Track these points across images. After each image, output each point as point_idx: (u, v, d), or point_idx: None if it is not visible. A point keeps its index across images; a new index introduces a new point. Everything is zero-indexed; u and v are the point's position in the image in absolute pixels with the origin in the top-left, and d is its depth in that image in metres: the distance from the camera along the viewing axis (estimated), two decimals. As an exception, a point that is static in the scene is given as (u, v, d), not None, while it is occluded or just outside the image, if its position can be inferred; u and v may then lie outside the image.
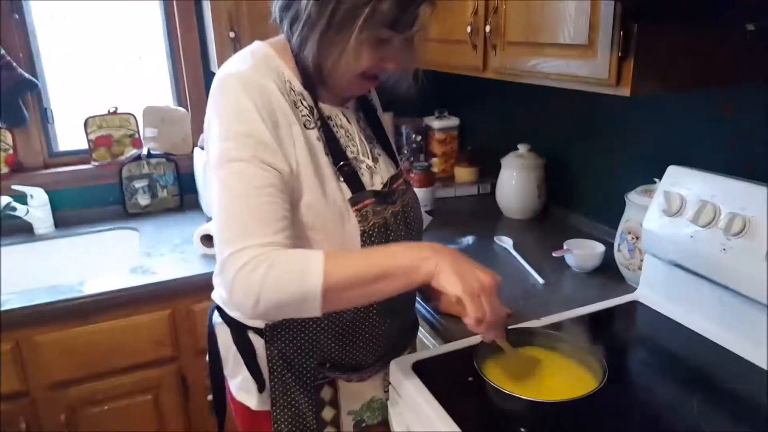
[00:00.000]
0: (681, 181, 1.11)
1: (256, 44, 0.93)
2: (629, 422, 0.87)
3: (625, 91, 1.00)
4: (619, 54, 0.97)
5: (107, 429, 1.55)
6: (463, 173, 2.10)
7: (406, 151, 2.15)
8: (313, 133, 0.91)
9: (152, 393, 1.59)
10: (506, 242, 1.58)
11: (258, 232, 0.79)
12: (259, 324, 0.97)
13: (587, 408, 0.81)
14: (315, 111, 0.92)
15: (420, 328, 1.20)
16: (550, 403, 0.81)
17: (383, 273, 0.79)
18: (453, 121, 2.14)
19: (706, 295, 1.07)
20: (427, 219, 1.81)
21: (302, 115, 0.90)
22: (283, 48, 0.92)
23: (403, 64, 0.93)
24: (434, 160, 2.16)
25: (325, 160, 0.91)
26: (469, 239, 1.65)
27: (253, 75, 0.86)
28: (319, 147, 0.91)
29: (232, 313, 1.01)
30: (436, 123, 2.13)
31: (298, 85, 0.91)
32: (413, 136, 2.15)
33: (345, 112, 0.99)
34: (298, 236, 0.89)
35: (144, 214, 2.01)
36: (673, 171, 1.14)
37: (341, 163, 0.92)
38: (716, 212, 1.02)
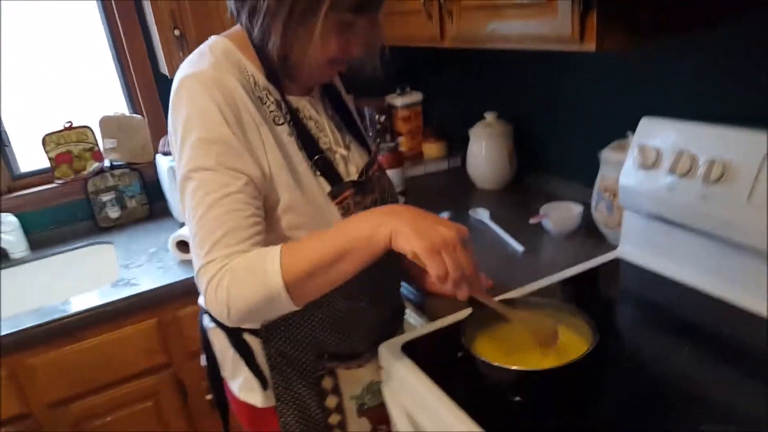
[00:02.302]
0: (655, 133, 1.10)
1: (213, 39, 0.88)
2: (624, 379, 0.87)
3: (590, 47, 0.97)
4: (581, 8, 0.94)
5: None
6: (432, 149, 2.07)
7: (371, 134, 2.11)
8: (284, 129, 0.87)
9: (152, 399, 1.60)
10: (482, 214, 1.56)
11: (224, 243, 0.77)
12: (255, 324, 0.94)
13: (581, 371, 0.80)
14: (283, 105, 0.88)
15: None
16: (543, 371, 0.80)
17: (342, 251, 0.76)
18: (416, 96, 2.10)
19: (688, 245, 1.06)
20: (400, 200, 1.79)
21: (270, 111, 0.86)
22: (243, 40, 0.87)
23: (370, 46, 0.89)
24: (401, 138, 2.12)
25: (299, 157, 0.88)
26: (444, 215, 1.62)
27: (213, 74, 0.81)
28: (291, 143, 0.88)
29: None
30: (398, 100, 2.09)
31: (262, 80, 0.87)
32: (377, 116, 2.11)
33: (311, 101, 0.95)
34: (281, 237, 0.86)
35: (116, 226, 1.98)
36: (646, 123, 1.13)
37: (316, 156, 0.89)
38: (693, 161, 1.01)
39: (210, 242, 0.78)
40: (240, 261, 0.77)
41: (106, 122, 1.95)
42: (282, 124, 0.87)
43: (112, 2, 1.88)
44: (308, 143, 0.89)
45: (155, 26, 1.66)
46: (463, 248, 0.74)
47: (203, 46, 0.87)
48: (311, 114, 0.94)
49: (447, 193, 1.86)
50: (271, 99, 0.87)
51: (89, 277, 1.77)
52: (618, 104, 1.41)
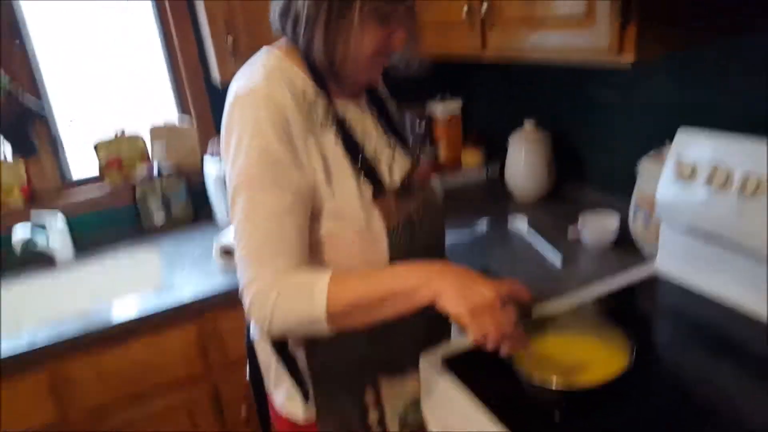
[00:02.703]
0: (691, 145, 1.09)
1: (265, 52, 0.92)
2: (663, 399, 0.86)
3: (628, 58, 0.99)
4: (620, 19, 0.96)
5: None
6: (471, 157, 2.08)
7: (410, 141, 2.13)
8: (330, 135, 0.91)
9: (186, 410, 1.60)
10: (520, 224, 1.56)
11: (272, 261, 0.83)
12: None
13: (619, 389, 0.81)
14: (331, 111, 0.91)
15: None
16: (581, 391, 0.81)
17: (386, 296, 0.81)
18: (455, 104, 2.11)
19: (725, 261, 1.05)
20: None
21: (318, 118, 0.90)
22: (291, 50, 0.91)
23: (410, 36, 0.92)
24: (440, 145, 2.14)
25: (344, 162, 0.91)
26: (483, 226, 1.63)
27: (266, 90, 0.85)
28: (338, 149, 0.91)
29: None
30: (438, 108, 2.11)
31: (311, 87, 0.90)
32: (417, 122, 2.13)
33: (358, 107, 0.98)
34: (327, 240, 0.90)
35: (160, 231, 2.01)
36: (682, 135, 1.12)
37: (361, 161, 0.92)
38: (729, 174, 1.00)
39: (258, 260, 0.83)
40: (290, 282, 0.82)
41: (157, 130, 2.02)
42: (329, 130, 0.91)
43: (167, 6, 1.92)
44: (353, 148, 0.92)
45: (208, 32, 1.69)
46: (504, 307, 0.78)
47: (257, 61, 0.91)
48: (358, 119, 0.96)
49: (485, 201, 1.87)
50: (320, 104, 0.90)
51: (133, 283, 1.80)
52: (656, 114, 1.40)
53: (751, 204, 0.96)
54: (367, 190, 0.92)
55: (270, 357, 1.02)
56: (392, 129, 1.04)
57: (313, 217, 0.89)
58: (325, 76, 0.91)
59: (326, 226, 0.90)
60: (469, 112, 2.16)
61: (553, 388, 0.82)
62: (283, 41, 0.93)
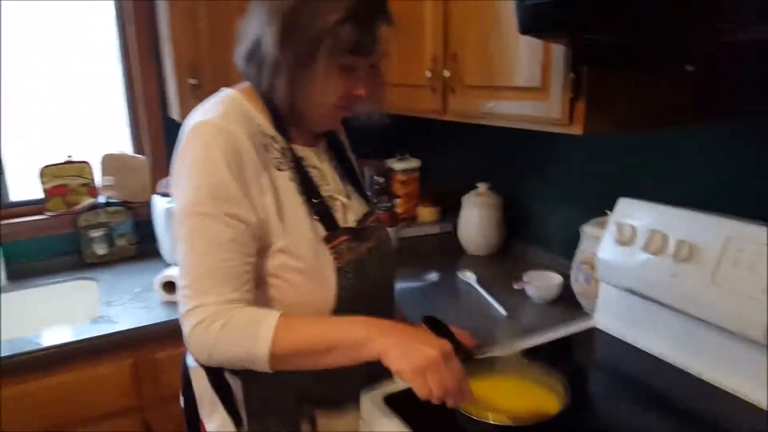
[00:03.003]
0: (631, 212, 1.19)
1: (225, 91, 0.96)
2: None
3: (577, 130, 1.07)
4: (571, 95, 1.05)
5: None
6: (426, 213, 2.16)
7: (370, 193, 2.18)
8: (286, 175, 0.93)
9: None
10: (469, 277, 1.62)
11: (216, 290, 0.83)
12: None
13: (554, 428, 0.84)
14: (288, 153, 0.94)
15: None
16: (521, 428, 0.84)
17: (332, 347, 0.82)
18: (414, 163, 2.20)
19: (659, 319, 1.13)
20: (391, 258, 1.84)
21: (274, 158, 0.92)
22: (252, 93, 0.95)
23: (373, 91, 0.97)
24: (397, 200, 2.21)
25: (298, 201, 0.93)
26: (433, 275, 1.69)
27: (222, 123, 0.87)
28: (292, 188, 0.93)
29: None
30: (397, 165, 2.19)
31: (269, 128, 0.93)
32: (376, 177, 2.20)
33: (316, 151, 1.02)
34: (276, 276, 0.91)
35: (102, 263, 1.95)
36: (624, 203, 1.22)
37: (315, 201, 0.94)
38: (665, 240, 1.09)
39: (202, 289, 0.83)
40: (236, 315, 0.82)
41: (109, 159, 1.98)
42: (285, 170, 0.93)
43: (132, 40, 1.94)
44: (309, 189, 0.95)
45: (173, 71, 1.72)
46: (448, 365, 0.79)
47: (215, 97, 0.94)
48: (315, 163, 1.00)
49: (438, 254, 1.93)
50: (277, 147, 0.93)
51: (68, 312, 1.74)
52: (600, 184, 1.51)
53: (684, 268, 1.05)
54: (320, 229, 0.94)
55: (205, 385, 1.01)
56: (350, 176, 1.08)
57: (262, 252, 0.90)
58: (284, 119, 0.94)
59: (275, 262, 0.91)
60: (428, 170, 2.26)
61: (491, 422, 0.84)
62: (245, 84, 0.97)
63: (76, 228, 1.93)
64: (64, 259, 1.93)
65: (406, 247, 1.97)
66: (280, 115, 0.94)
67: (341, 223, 0.98)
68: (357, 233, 0.99)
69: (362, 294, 0.96)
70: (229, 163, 0.85)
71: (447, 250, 1.93)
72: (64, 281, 1.84)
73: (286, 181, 0.93)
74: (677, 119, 1.15)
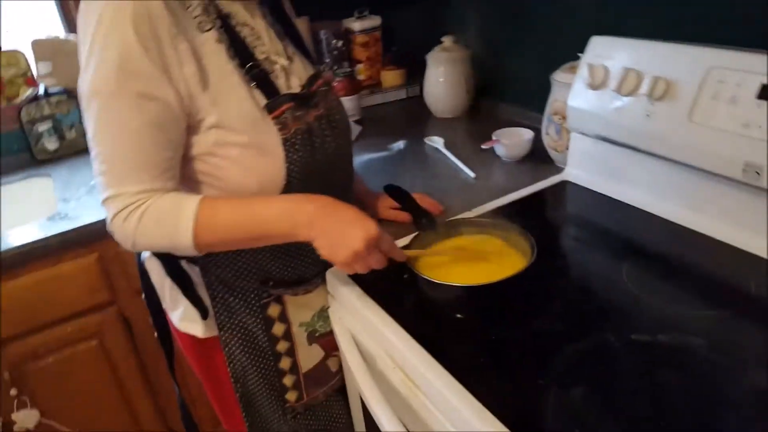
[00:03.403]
0: (605, 52, 1.07)
1: None
2: (563, 294, 0.89)
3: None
4: None
5: (56, 380, 1.51)
6: (390, 77, 2.01)
7: (327, 60, 2.02)
8: (211, 36, 0.80)
9: (96, 339, 1.54)
10: (437, 142, 1.53)
11: (133, 178, 0.77)
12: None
13: (519, 286, 0.82)
14: (211, 8, 0.80)
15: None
16: (482, 287, 0.81)
17: (255, 237, 0.82)
18: (375, 21, 2.01)
19: (634, 166, 1.06)
20: (356, 129, 1.75)
21: (194, 17, 0.78)
22: None
23: None
24: (359, 66, 2.05)
25: (229, 67, 0.81)
26: (400, 144, 1.60)
27: None
28: (221, 51, 0.80)
29: None
30: (356, 24, 2.00)
31: None
32: (333, 41, 2.02)
33: (247, 6, 0.87)
34: (213, 155, 0.82)
35: (54, 158, 1.86)
36: (596, 41, 1.10)
37: (249, 65, 0.82)
38: (639, 78, 0.99)
39: (119, 176, 0.77)
40: (153, 208, 0.78)
41: (39, 45, 1.81)
42: (209, 29, 0.80)
43: None
44: (241, 51, 0.82)
45: None
46: (372, 251, 0.80)
47: None
48: (246, 19, 0.86)
49: (404, 121, 1.82)
50: (196, 2, 0.80)
51: (24, 212, 1.68)
52: (572, 26, 1.37)
53: (659, 107, 0.96)
54: (258, 97, 0.83)
55: (162, 276, 0.97)
56: (290, 34, 0.95)
57: (193, 130, 0.80)
58: None
59: (210, 139, 0.81)
60: (390, 30, 2.07)
61: (453, 284, 0.82)
62: None
63: (21, 124, 1.81)
64: (13, 159, 1.83)
65: (370, 116, 1.86)
66: None
67: (283, 89, 0.87)
68: (302, 99, 0.88)
69: (314, 167, 0.88)
70: (139, 30, 0.72)
71: (414, 116, 1.83)
72: (16, 181, 1.76)
73: (212, 44, 0.80)
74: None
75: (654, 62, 0.99)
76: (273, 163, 0.84)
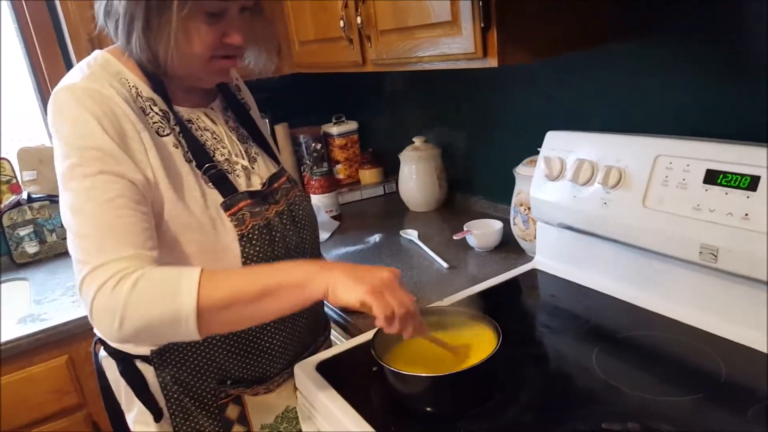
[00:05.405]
0: (561, 145, 1.14)
1: (95, 53, 0.86)
2: (532, 379, 0.87)
3: (492, 62, 1.01)
4: (482, 24, 0.98)
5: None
6: (368, 175, 2.09)
7: (308, 161, 2.11)
8: (169, 140, 0.84)
9: None
10: (411, 234, 1.57)
11: (117, 246, 0.73)
12: (146, 351, 0.89)
13: (490, 374, 0.81)
14: (170, 115, 0.86)
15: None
16: (450, 376, 0.79)
17: (267, 291, 0.73)
18: (351, 126, 2.13)
19: (596, 252, 1.09)
20: (334, 224, 1.78)
21: (153, 122, 0.83)
22: (124, 53, 0.85)
23: (254, 39, 0.88)
24: (338, 166, 2.14)
25: (186, 168, 0.84)
26: (376, 237, 1.63)
27: (88, 84, 0.78)
28: (177, 154, 0.84)
29: (115, 345, 0.93)
30: (334, 129, 2.11)
31: (146, 90, 0.85)
32: (312, 144, 2.12)
33: (209, 113, 0.93)
34: (169, 248, 0.82)
35: (34, 262, 1.86)
36: (551, 136, 1.17)
37: (207, 166, 0.86)
38: (594, 168, 1.04)
39: (99, 247, 0.72)
40: (149, 271, 0.72)
41: (25, 154, 1.88)
42: (167, 135, 0.84)
43: (31, 29, 1.83)
44: (198, 154, 0.86)
45: (73, 56, 1.61)
46: (402, 287, 0.75)
47: (83, 62, 0.84)
48: (207, 125, 0.92)
49: (381, 216, 1.87)
50: (156, 109, 0.85)
51: None
52: (531, 121, 1.46)
53: (615, 195, 1.00)
54: (215, 196, 0.86)
55: (118, 376, 0.93)
56: (255, 137, 1.00)
57: (157, 215, 0.81)
58: (158, 78, 0.85)
59: (169, 232, 0.82)
60: (366, 132, 2.18)
61: (419, 375, 0.80)
62: (116, 45, 0.87)
63: (2, 228, 1.83)
64: (-6, 262, 1.83)
65: (349, 212, 1.91)
66: (154, 74, 0.85)
67: (244, 188, 0.90)
68: (262, 196, 0.91)
69: (275, 260, 0.89)
70: (102, 122, 0.76)
71: (390, 211, 1.88)
72: (-6, 284, 1.75)
73: (170, 147, 0.84)
74: (592, 39, 1.09)
75: (607, 153, 1.04)
76: (228, 258, 0.85)
